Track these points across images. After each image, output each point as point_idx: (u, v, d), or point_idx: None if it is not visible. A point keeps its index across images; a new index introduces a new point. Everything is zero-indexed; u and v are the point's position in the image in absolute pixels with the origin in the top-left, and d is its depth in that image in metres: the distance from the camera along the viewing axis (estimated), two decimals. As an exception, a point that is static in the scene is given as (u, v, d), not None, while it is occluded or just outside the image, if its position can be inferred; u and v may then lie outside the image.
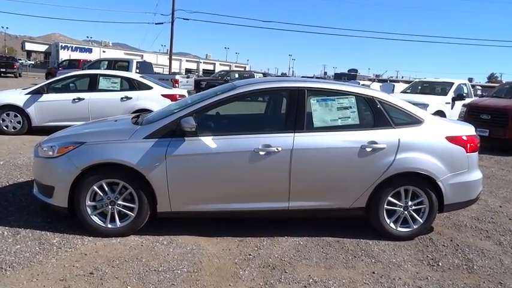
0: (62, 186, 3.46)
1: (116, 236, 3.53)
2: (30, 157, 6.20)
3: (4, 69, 29.84)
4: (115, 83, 8.65)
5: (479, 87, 26.51)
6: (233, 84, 3.88)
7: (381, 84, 24.09)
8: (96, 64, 16.87)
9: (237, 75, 23.78)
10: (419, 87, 13.21)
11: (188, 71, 57.74)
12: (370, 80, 36.63)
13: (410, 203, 3.84)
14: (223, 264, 3.21)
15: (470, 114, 9.49)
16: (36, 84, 8.62)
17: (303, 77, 22.45)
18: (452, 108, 11.26)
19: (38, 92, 8.16)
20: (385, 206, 3.80)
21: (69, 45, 64.42)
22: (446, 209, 3.93)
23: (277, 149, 3.57)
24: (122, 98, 8.46)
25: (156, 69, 21.42)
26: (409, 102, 4.19)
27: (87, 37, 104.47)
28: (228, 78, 22.46)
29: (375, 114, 3.83)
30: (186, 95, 9.69)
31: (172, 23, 32.10)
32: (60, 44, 63.21)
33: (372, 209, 3.79)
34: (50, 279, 2.81)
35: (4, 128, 8.05)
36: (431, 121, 3.94)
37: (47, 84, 8.35)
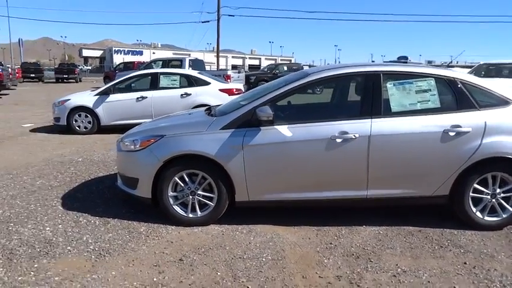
0: (145, 177, 3.62)
1: (197, 225, 3.63)
2: (104, 154, 6.59)
3: (67, 75, 32.05)
4: (175, 80, 8.93)
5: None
6: (305, 72, 3.83)
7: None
8: (151, 65, 17.54)
9: (285, 68, 23.65)
10: (483, 72, 12.32)
11: (234, 67, 58.41)
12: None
13: (498, 190, 3.58)
14: (306, 252, 3.20)
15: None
16: (96, 88, 9.11)
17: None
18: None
19: (105, 93, 8.64)
20: (471, 194, 3.58)
21: (121, 49, 67.77)
22: (540, 197, 3.63)
23: (354, 135, 3.48)
24: (181, 95, 8.71)
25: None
26: None
27: (137, 40, 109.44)
28: (277, 71, 22.44)
29: (457, 96, 3.61)
30: (243, 89, 9.80)
31: (218, 20, 32.62)
32: (114, 48, 66.62)
33: (456, 197, 3.59)
34: (144, 265, 2.95)
35: (76, 128, 8.61)
36: (520, 102, 3.64)
37: (113, 85, 8.81)
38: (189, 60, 16.66)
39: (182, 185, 3.61)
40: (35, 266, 2.90)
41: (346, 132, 3.49)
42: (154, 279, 2.77)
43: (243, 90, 9.79)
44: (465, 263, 3.08)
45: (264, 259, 3.06)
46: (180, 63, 16.44)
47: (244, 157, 3.49)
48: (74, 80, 32.10)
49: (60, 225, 3.61)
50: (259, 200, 3.63)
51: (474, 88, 3.64)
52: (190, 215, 3.65)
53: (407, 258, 3.14)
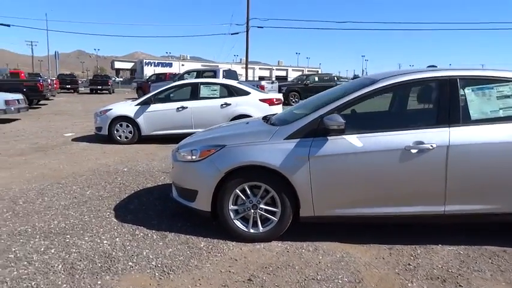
0: (205, 190, 3.44)
1: (259, 241, 3.41)
2: (148, 164, 6.52)
3: (101, 87, 32.96)
4: (215, 90, 8.84)
5: None
6: (372, 79, 3.58)
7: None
8: (184, 76, 17.68)
9: (316, 79, 23.42)
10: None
11: (261, 78, 58.59)
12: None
13: None
14: (384, 274, 2.90)
15: None
16: (129, 99, 9.13)
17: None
18: None
19: (145, 103, 8.65)
20: None
21: (151, 61, 69.48)
22: None
23: (431, 145, 3.19)
24: (221, 105, 8.61)
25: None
26: None
27: (166, 52, 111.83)
28: (308, 82, 22.35)
29: (547, 102, 3.26)
30: (282, 98, 9.62)
31: (247, 31, 32.77)
32: (145, 60, 68.36)
33: (547, 214, 3.21)
34: (212, 284, 2.74)
35: (118, 138, 8.64)
36: None
37: (153, 95, 8.81)
38: (223, 71, 16.69)
39: (243, 198, 3.41)
40: (99, 282, 2.75)
41: (422, 142, 3.20)
42: (225, 300, 2.56)
43: (282, 100, 9.62)
44: None
45: (340, 281, 2.79)
46: (213, 74, 16.49)
47: (310, 169, 3.26)
48: (107, 91, 32.96)
49: (117, 239, 3.47)
50: (325, 215, 3.37)
51: None
52: (252, 230, 3.43)
53: (501, 283, 2.80)
